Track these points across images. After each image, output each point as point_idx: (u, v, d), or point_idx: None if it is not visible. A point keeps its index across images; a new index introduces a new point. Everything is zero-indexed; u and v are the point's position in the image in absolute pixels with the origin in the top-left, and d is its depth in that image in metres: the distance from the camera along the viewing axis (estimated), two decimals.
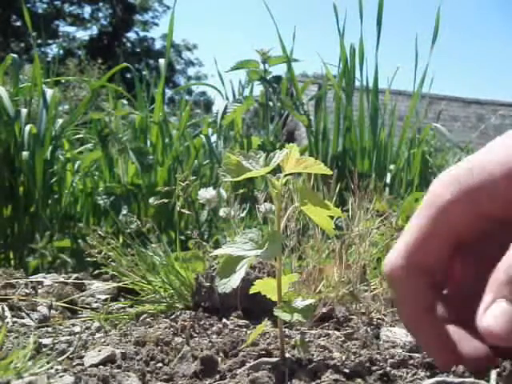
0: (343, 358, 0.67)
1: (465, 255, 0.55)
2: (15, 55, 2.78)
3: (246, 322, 0.91)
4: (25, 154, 2.46)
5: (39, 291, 1.24)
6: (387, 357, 0.66)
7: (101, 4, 22.21)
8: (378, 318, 0.95)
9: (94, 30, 22.43)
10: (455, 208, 0.51)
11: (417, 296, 0.53)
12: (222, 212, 1.22)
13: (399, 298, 0.54)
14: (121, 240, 1.37)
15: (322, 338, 0.80)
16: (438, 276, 0.54)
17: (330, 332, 0.84)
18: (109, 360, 0.69)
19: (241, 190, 2.11)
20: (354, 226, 1.05)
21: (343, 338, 0.79)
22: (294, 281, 0.74)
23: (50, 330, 0.94)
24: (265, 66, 2.53)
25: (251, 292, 0.68)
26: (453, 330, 0.53)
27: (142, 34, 23.19)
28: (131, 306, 1.12)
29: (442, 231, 0.52)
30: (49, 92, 2.67)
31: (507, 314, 0.44)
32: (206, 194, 1.32)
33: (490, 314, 0.45)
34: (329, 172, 0.64)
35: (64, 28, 21.99)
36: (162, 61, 2.92)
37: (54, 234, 2.49)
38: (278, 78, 2.74)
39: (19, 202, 2.52)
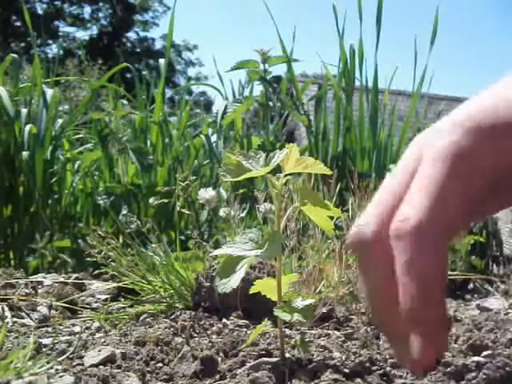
0: (343, 357, 0.67)
1: None
2: (15, 55, 2.78)
3: (246, 321, 0.91)
4: (25, 154, 2.46)
5: (39, 291, 1.24)
6: (387, 357, 0.66)
7: (101, 4, 22.19)
8: None
9: (94, 30, 22.41)
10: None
11: None
12: (222, 212, 1.22)
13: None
14: (121, 240, 1.37)
15: (322, 338, 0.80)
16: None
17: (330, 332, 0.84)
18: (109, 360, 0.69)
19: (241, 190, 2.12)
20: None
21: (343, 338, 0.79)
22: (294, 281, 0.74)
23: (50, 329, 0.94)
24: (265, 66, 2.52)
25: (251, 292, 0.68)
26: None
27: (142, 34, 23.19)
28: (131, 306, 1.12)
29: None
30: (49, 92, 2.67)
31: None
32: (206, 194, 1.32)
33: None
34: (329, 172, 0.64)
35: (64, 28, 21.98)
36: (162, 61, 2.92)
37: (54, 234, 2.49)
38: (278, 78, 2.74)
39: (19, 202, 2.52)
